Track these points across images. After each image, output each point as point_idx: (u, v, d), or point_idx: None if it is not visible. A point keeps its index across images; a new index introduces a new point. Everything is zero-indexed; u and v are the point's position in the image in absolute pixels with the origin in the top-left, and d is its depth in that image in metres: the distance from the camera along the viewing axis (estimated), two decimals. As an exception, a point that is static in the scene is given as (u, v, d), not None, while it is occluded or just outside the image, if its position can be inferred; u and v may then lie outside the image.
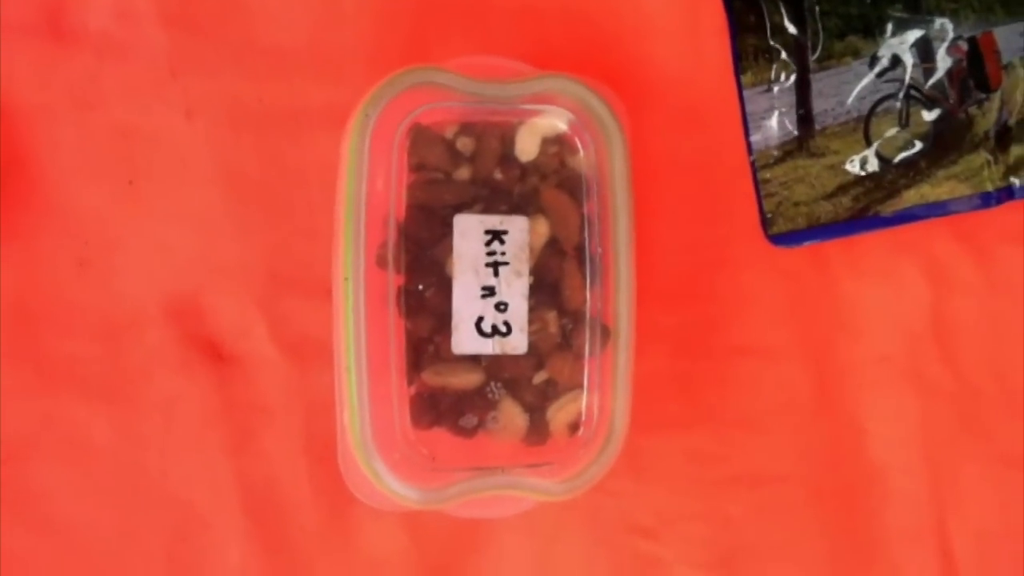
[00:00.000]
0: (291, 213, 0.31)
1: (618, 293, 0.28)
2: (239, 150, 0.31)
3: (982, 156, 0.33)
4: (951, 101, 0.33)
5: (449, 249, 0.28)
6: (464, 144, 0.28)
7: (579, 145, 0.29)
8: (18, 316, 0.30)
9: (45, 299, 0.30)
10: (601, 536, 0.31)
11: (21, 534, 0.30)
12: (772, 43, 0.33)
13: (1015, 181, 0.33)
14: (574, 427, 0.28)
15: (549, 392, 0.28)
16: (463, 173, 0.28)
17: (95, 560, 0.30)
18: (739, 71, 0.33)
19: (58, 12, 0.30)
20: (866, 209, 0.33)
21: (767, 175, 0.33)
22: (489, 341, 0.27)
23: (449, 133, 0.28)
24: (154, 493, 0.30)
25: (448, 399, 0.27)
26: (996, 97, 0.33)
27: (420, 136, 0.28)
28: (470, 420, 0.27)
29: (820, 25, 0.33)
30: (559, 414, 0.28)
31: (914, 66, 0.33)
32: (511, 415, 0.28)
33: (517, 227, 0.28)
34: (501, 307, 0.27)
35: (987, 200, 0.33)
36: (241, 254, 0.31)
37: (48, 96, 0.30)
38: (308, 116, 0.31)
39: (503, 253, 0.27)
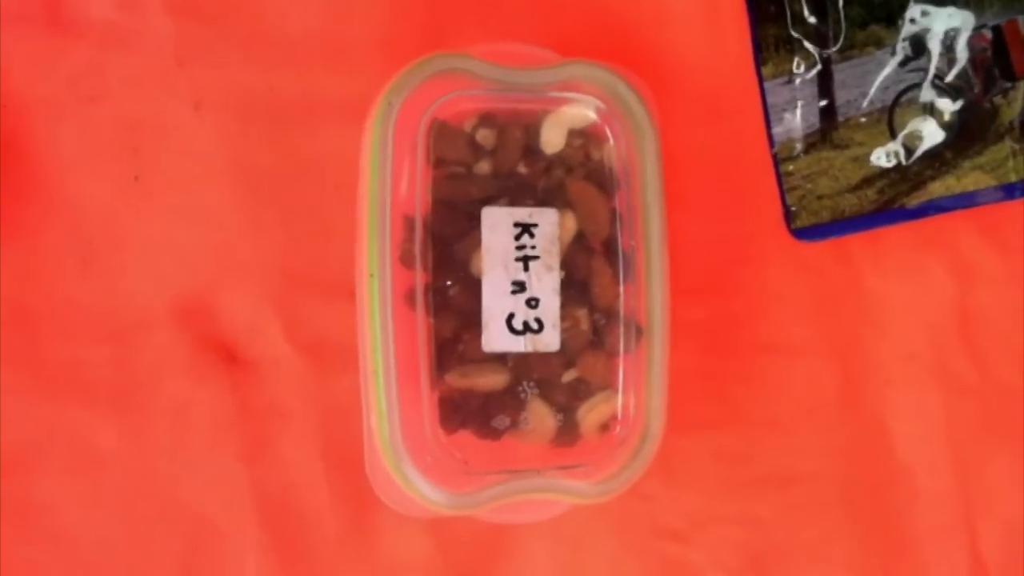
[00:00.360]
0: (305, 208, 0.29)
1: (650, 289, 0.27)
2: (250, 143, 0.29)
3: (1007, 146, 0.33)
4: (976, 91, 0.33)
5: (475, 246, 0.26)
6: (484, 136, 0.27)
7: (609, 135, 0.28)
8: (19, 318, 0.29)
9: (47, 300, 0.29)
10: (630, 541, 0.30)
11: (25, 548, 0.29)
12: (793, 33, 0.32)
13: (1040, 172, 0.33)
14: (605, 428, 0.27)
15: (580, 392, 0.27)
16: (484, 167, 0.27)
17: (104, 574, 0.29)
18: (759, 62, 0.33)
19: (58, 1, 0.29)
20: (891, 201, 0.33)
21: (790, 168, 0.33)
22: (521, 338, 0.26)
23: (468, 126, 0.27)
24: (165, 503, 0.29)
25: (476, 401, 0.26)
26: (1021, 86, 0.32)
27: (439, 131, 0.27)
28: (503, 421, 0.26)
29: (842, 14, 0.32)
30: (590, 415, 0.27)
31: (938, 55, 0.32)
32: (540, 416, 0.26)
33: (547, 220, 0.26)
34: (532, 303, 0.26)
35: (1011, 192, 0.33)
36: (254, 252, 0.29)
37: (50, 88, 0.29)
38: (321, 107, 0.29)
39: (533, 247, 0.26)
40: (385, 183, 0.24)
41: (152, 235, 0.29)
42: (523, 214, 0.26)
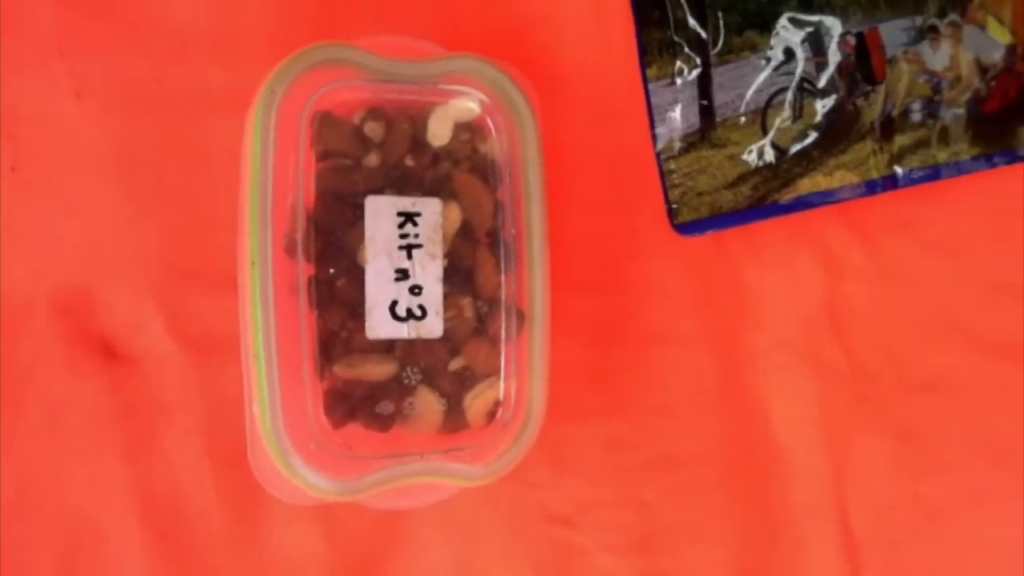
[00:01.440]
0: (190, 201, 0.29)
1: (532, 278, 0.27)
2: (134, 134, 0.29)
3: (869, 145, 0.35)
4: (841, 93, 0.35)
5: (360, 236, 0.27)
6: (372, 129, 0.28)
7: (492, 129, 0.28)
8: None
9: None
10: (520, 527, 0.31)
11: None
12: (675, 38, 0.34)
13: (898, 170, 0.35)
14: (491, 415, 0.28)
15: (466, 379, 0.27)
16: (372, 160, 0.28)
17: None
18: (644, 64, 0.34)
19: None
20: (764, 197, 0.34)
21: (672, 166, 0.34)
22: (404, 325, 0.26)
23: (356, 118, 0.28)
24: (43, 503, 0.28)
25: (362, 391, 0.27)
26: (881, 89, 0.35)
27: (325, 123, 0.27)
28: (386, 407, 0.26)
29: (720, 21, 0.34)
30: (476, 401, 0.27)
31: (806, 60, 0.34)
32: (427, 403, 0.27)
33: (430, 209, 0.27)
34: (415, 290, 0.27)
35: (872, 188, 0.35)
36: (135, 245, 0.29)
37: None
38: (208, 99, 0.29)
39: (416, 235, 0.27)
40: (267, 171, 0.25)
41: (29, 227, 0.28)
42: (406, 203, 0.27)
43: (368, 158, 0.28)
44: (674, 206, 0.34)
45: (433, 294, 0.27)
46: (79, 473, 0.28)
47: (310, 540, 0.29)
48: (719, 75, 0.34)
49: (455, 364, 0.27)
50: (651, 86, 0.34)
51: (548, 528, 0.31)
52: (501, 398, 0.27)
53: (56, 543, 0.28)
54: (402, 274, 0.26)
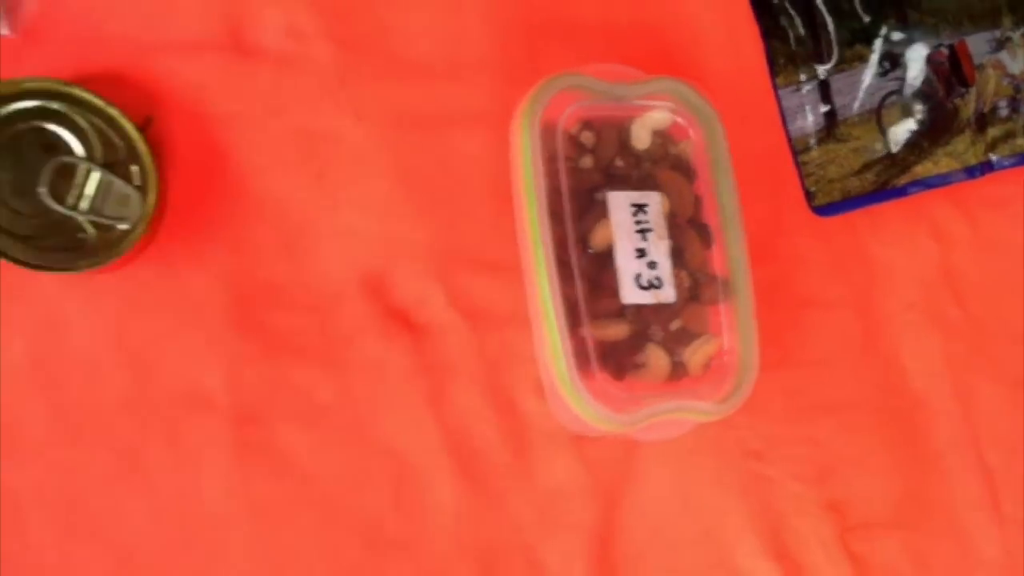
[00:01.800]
0: (452, 199, 0.35)
1: (732, 254, 0.34)
2: (404, 147, 0.35)
3: (967, 137, 0.41)
4: (940, 94, 0.41)
5: (593, 223, 0.33)
6: (587, 138, 0.34)
7: (690, 133, 0.34)
8: (241, 295, 0.33)
9: (261, 279, 0.34)
10: (726, 461, 0.37)
11: (271, 487, 0.33)
12: (796, 50, 0.40)
13: (992, 157, 0.42)
14: (707, 366, 0.33)
15: (683, 337, 0.33)
16: (587, 162, 0.34)
17: (333, 506, 0.33)
18: (774, 74, 0.40)
19: (238, 31, 0.34)
20: (886, 183, 0.41)
21: (805, 158, 0.40)
22: (647, 293, 0.32)
23: (574, 129, 0.34)
24: (374, 445, 0.33)
25: (605, 347, 0.32)
26: (973, 91, 0.41)
27: (559, 134, 0.33)
28: (641, 358, 0.32)
29: (833, 37, 0.41)
30: (695, 356, 0.33)
31: (908, 67, 0.41)
32: (657, 357, 0.33)
33: (654, 200, 0.33)
34: (652, 265, 0.33)
35: (972, 172, 0.41)
36: (417, 236, 0.35)
37: (240, 105, 0.34)
38: (450, 118, 0.35)
39: (647, 222, 0.33)
40: (538, 174, 0.31)
41: (336, 223, 0.34)
42: (636, 196, 0.33)
43: (583, 160, 0.34)
44: (812, 191, 0.40)
45: (664, 268, 0.33)
46: (397, 418, 0.34)
47: (572, 469, 0.35)
48: (836, 82, 0.40)
49: (675, 325, 0.33)
50: (780, 92, 0.40)
51: (747, 462, 0.37)
52: (723, 349, 0.33)
53: (387, 474, 0.33)
54: (640, 252, 0.32)
